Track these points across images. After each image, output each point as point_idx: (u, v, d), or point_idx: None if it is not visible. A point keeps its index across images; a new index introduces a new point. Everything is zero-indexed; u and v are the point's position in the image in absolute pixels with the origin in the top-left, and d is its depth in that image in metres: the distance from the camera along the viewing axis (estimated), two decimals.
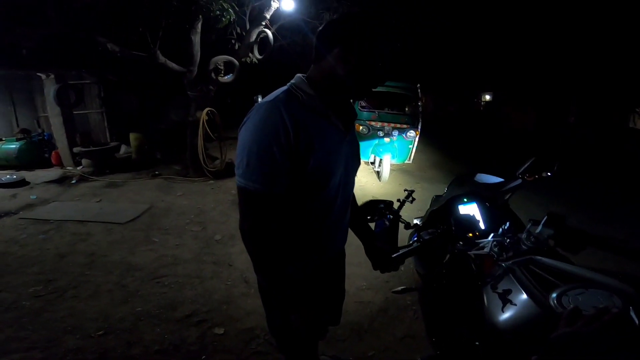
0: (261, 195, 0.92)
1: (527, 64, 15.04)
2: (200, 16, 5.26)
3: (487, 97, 23.28)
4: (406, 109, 6.87)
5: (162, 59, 5.43)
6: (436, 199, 2.15)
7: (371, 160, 6.64)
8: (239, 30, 6.05)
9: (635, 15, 10.44)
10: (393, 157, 6.23)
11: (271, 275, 1.02)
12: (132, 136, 6.97)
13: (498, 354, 1.05)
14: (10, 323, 2.34)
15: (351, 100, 1.26)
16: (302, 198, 1.01)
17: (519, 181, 1.75)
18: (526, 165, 1.74)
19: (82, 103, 7.07)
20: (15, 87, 7.48)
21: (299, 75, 1.02)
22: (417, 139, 6.31)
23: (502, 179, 1.92)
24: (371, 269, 1.34)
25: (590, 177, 7.04)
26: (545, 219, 1.32)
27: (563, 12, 12.26)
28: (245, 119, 0.96)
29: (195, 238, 3.73)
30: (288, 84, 1.01)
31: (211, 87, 6.03)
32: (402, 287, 1.64)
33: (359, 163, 1.21)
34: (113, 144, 7.05)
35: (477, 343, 1.12)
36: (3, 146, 6.41)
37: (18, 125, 7.40)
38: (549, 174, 1.74)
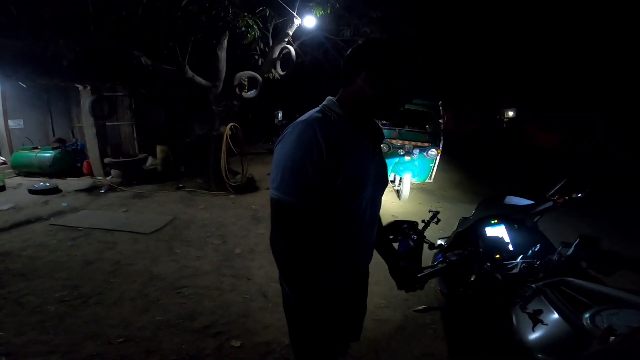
0: (293, 208, 0.96)
1: (551, 79, 14.77)
2: (227, 32, 5.48)
3: (510, 114, 22.85)
4: (427, 126, 6.82)
5: (190, 73, 5.68)
6: (463, 220, 2.12)
7: (391, 178, 6.58)
8: (262, 46, 6.25)
9: None
10: (414, 176, 6.16)
11: (297, 286, 1.05)
12: (158, 148, 7.23)
13: None
14: (34, 326, 2.41)
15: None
16: (331, 214, 1.04)
17: (550, 203, 1.70)
18: (557, 187, 1.69)
19: (114, 115, 7.41)
20: (53, 98, 7.94)
21: (330, 97, 1.08)
22: (438, 158, 6.21)
23: (532, 202, 1.88)
24: (390, 287, 1.33)
25: (622, 196, 6.73)
26: (577, 241, 1.29)
27: (588, 27, 12.05)
28: (281, 136, 1.02)
29: (216, 251, 3.79)
30: (320, 106, 1.07)
31: (235, 102, 6.21)
32: (424, 306, 1.60)
33: (386, 183, 1.23)
34: (141, 155, 7.33)
35: None
36: (39, 154, 6.77)
37: (54, 135, 7.82)
38: (580, 195, 1.69)
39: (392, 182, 6.71)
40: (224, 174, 6.04)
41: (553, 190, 1.70)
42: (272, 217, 1.01)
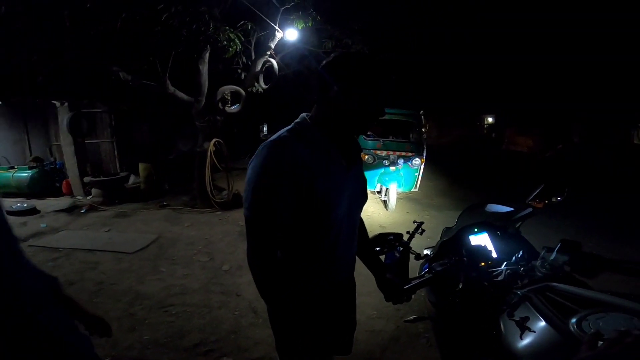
0: (264, 226, 1.00)
1: (528, 84, 15.33)
2: (208, 46, 5.46)
3: (490, 120, 23.53)
4: (410, 136, 6.94)
5: (171, 88, 5.63)
6: (446, 230, 2.15)
7: (377, 189, 6.62)
8: (244, 60, 6.27)
9: (633, 36, 10.72)
10: (399, 186, 6.20)
11: (273, 300, 1.09)
12: (141, 166, 7.09)
13: None
14: None
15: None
16: (305, 230, 1.06)
17: (530, 209, 1.74)
18: (536, 193, 1.73)
19: (93, 132, 7.25)
20: (30, 115, 7.70)
21: (303, 114, 1.09)
22: (422, 166, 6.31)
23: (512, 208, 1.92)
24: (381, 298, 1.33)
25: (601, 197, 6.97)
26: (559, 245, 1.32)
27: (562, 34, 12.62)
28: (253, 157, 1.03)
29: (203, 268, 3.72)
30: (293, 123, 1.08)
31: (218, 117, 6.18)
32: (415, 316, 1.61)
33: (365, 199, 1.23)
34: (122, 174, 7.17)
35: None
36: (15, 174, 6.54)
37: (31, 153, 7.58)
38: (559, 198, 1.74)
39: (379, 192, 6.76)
40: (209, 191, 5.97)
41: (532, 196, 1.73)
42: (247, 234, 1.03)
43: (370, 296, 2.98)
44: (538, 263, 1.32)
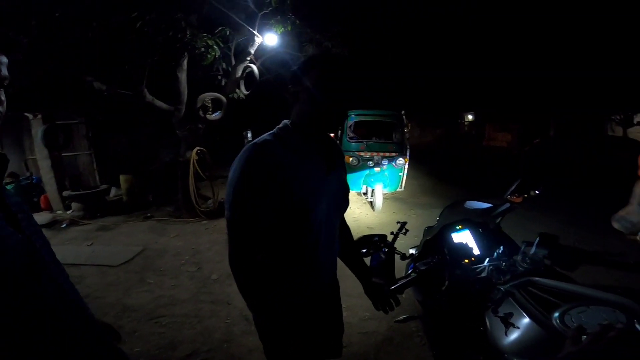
0: (243, 226, 1.04)
1: (504, 81, 15.76)
2: (186, 53, 5.37)
3: (470, 117, 24.07)
4: (393, 136, 7.03)
5: (149, 97, 5.50)
6: (428, 229, 2.16)
7: (363, 190, 6.65)
8: (224, 66, 6.22)
9: (604, 32, 11.18)
10: (385, 186, 6.24)
11: (256, 303, 1.12)
12: (122, 178, 6.92)
13: None
14: None
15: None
16: (286, 232, 1.09)
17: (508, 205, 1.77)
18: (513, 188, 1.77)
19: (70, 145, 7.03)
20: (2, 129, 7.40)
21: (285, 120, 1.13)
22: (406, 166, 6.38)
23: (491, 204, 1.95)
24: None
25: (580, 190, 7.22)
26: (537, 239, 1.34)
27: (537, 31, 13.03)
28: (235, 159, 1.07)
29: (192, 278, 3.67)
30: (275, 128, 1.12)
31: (200, 125, 6.08)
32: (405, 316, 1.63)
33: (345, 203, 1.25)
34: (103, 186, 6.97)
35: None
36: None
37: None
38: (536, 192, 1.78)
39: (365, 194, 6.81)
40: (193, 200, 5.88)
41: (509, 191, 1.76)
42: (228, 235, 1.07)
43: (362, 298, 2.99)
44: (519, 258, 1.34)
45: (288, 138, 1.07)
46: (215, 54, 5.38)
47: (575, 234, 4.72)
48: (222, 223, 5.60)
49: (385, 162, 6.22)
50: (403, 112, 6.87)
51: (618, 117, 16.84)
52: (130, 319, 2.91)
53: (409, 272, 1.38)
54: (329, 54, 1.05)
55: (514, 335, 1.04)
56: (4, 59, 0.72)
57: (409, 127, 6.74)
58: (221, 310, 3.02)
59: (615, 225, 4.67)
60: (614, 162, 10.12)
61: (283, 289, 1.15)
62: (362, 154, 6.28)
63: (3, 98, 0.73)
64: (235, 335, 2.66)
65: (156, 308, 3.08)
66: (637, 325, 0.89)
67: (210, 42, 5.19)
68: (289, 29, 6.02)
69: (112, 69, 5.37)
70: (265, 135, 1.08)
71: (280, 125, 1.11)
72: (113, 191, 7.33)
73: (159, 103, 5.70)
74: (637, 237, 4.62)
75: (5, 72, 0.72)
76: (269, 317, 1.13)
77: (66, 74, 5.13)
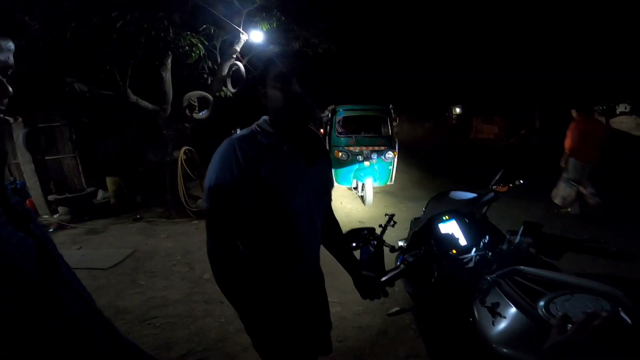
0: (219, 218, 1.07)
1: (491, 74, 15.96)
2: (169, 52, 5.28)
3: (458, 110, 24.31)
4: (382, 130, 7.06)
5: (133, 97, 5.40)
6: (415, 221, 2.17)
7: (354, 185, 6.67)
8: (210, 64, 6.14)
9: (587, 25, 11.39)
10: (375, 180, 6.26)
11: (234, 296, 1.13)
12: (109, 180, 6.80)
13: None
14: None
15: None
16: (262, 224, 1.11)
17: (492, 194, 1.79)
18: (497, 178, 1.78)
19: (53, 148, 6.87)
20: None
21: (264, 117, 1.16)
22: (396, 159, 6.42)
23: (475, 194, 1.96)
24: None
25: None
26: (522, 228, 1.36)
27: (522, 25, 13.21)
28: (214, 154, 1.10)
29: (184, 279, 3.64)
30: (254, 123, 1.16)
31: (187, 124, 6.00)
32: (397, 309, 1.65)
33: (327, 195, 1.27)
34: (89, 189, 6.85)
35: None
36: None
37: None
38: (521, 182, 1.80)
39: (355, 188, 6.83)
40: (183, 200, 5.82)
41: (494, 181, 1.78)
42: (206, 226, 1.10)
43: (355, 293, 2.99)
44: (505, 247, 1.35)
45: (265, 133, 1.10)
46: (200, 52, 5.31)
47: (560, 223, 4.83)
48: None
49: (374, 156, 6.24)
50: (391, 106, 6.90)
51: (601, 108, 17.22)
52: (124, 321, 2.88)
53: (398, 264, 1.39)
54: (283, 52, 1.06)
55: (501, 325, 1.04)
56: (11, 45, 0.68)
57: (397, 121, 6.75)
58: (215, 309, 3.01)
59: (555, 200, 5.27)
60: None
61: (264, 281, 1.16)
62: (351, 148, 6.30)
63: (9, 88, 0.70)
64: (230, 333, 2.65)
65: (149, 309, 3.05)
66: (621, 313, 0.90)
67: (194, 41, 5.11)
68: (275, 25, 5.98)
69: (94, 70, 5.25)
70: (243, 131, 1.13)
71: (259, 121, 1.15)
72: (100, 194, 7.20)
73: (143, 103, 5.60)
74: (569, 210, 5.29)
75: (11, 59, 0.69)
76: (251, 312, 1.14)
77: (46, 75, 5.01)
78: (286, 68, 1.04)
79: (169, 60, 5.57)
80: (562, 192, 5.27)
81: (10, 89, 0.70)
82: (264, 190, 1.06)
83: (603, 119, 4.95)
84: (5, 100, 0.70)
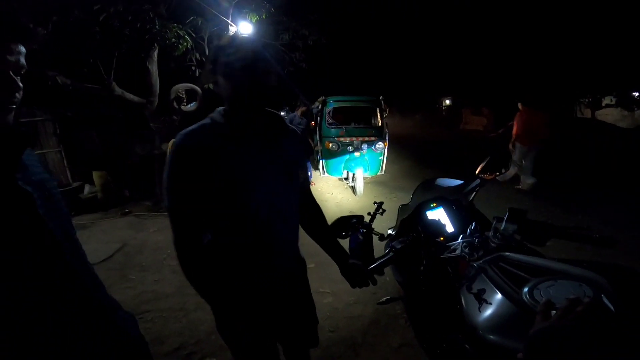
0: (180, 212, 1.06)
1: (478, 66, 16.07)
2: (155, 44, 5.18)
3: (447, 102, 24.45)
4: (372, 121, 7.05)
5: (118, 90, 5.29)
6: (403, 208, 2.17)
7: (344, 176, 6.68)
8: (198, 56, 6.04)
9: (571, 17, 11.51)
10: (365, 171, 6.29)
11: (204, 288, 1.14)
12: (95, 174, 6.68)
13: (487, 355, 1.02)
14: None
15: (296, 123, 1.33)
16: (227, 212, 1.09)
17: (478, 181, 1.80)
18: (483, 165, 1.79)
19: (37, 143, 6.72)
20: None
21: (219, 108, 1.14)
22: (386, 150, 6.44)
23: (462, 181, 1.97)
24: None
25: (553, 169, 7.52)
26: (507, 215, 1.37)
27: (507, 20, 13.30)
28: None
29: (175, 272, 3.61)
30: (208, 116, 1.13)
31: (174, 117, 5.92)
32: (386, 298, 1.65)
33: (297, 181, 1.22)
34: (75, 184, 6.73)
35: (467, 346, 1.12)
36: None
37: None
38: (504, 170, 1.82)
39: (346, 179, 6.85)
40: None
41: (480, 168, 1.79)
42: (170, 222, 1.08)
43: (345, 283, 3.03)
44: (491, 234, 1.36)
45: (220, 123, 1.08)
46: (187, 45, 5.22)
47: (546, 209, 4.94)
48: None
49: (365, 146, 6.24)
50: (381, 97, 6.90)
51: (587, 100, 17.50)
52: None
53: (387, 251, 1.39)
54: (226, 38, 1.03)
55: (487, 311, 1.05)
56: (22, 49, 0.80)
57: (388, 112, 6.76)
58: (206, 302, 3.00)
59: (498, 178, 5.77)
60: (582, 143, 10.59)
61: (233, 270, 1.16)
62: (341, 139, 6.29)
63: (20, 85, 0.81)
64: None
65: (140, 304, 3.04)
66: (603, 299, 0.91)
67: (181, 33, 5.02)
68: (264, 17, 5.90)
69: (77, 63, 5.12)
70: (197, 124, 1.10)
71: (212, 113, 1.13)
72: (87, 188, 7.07)
73: (129, 96, 5.49)
74: (521, 186, 5.95)
75: (23, 61, 0.80)
76: (219, 303, 1.16)
77: (26, 69, 4.85)
78: (234, 55, 1.01)
79: (155, 53, 5.46)
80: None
81: (21, 85, 0.81)
82: (222, 179, 1.04)
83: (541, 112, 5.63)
84: (18, 95, 0.81)
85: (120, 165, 7.56)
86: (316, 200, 1.40)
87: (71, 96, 5.90)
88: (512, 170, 6.00)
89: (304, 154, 1.37)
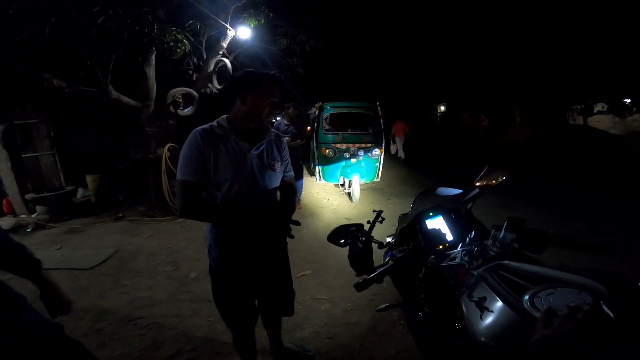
0: (187, 184, 1.46)
1: (473, 73, 16.26)
2: (153, 48, 5.14)
3: (442, 108, 24.67)
4: (368, 127, 7.09)
5: (114, 94, 5.23)
6: (403, 217, 2.18)
7: (341, 182, 6.67)
8: (195, 60, 6.02)
9: (562, 24, 11.71)
10: (362, 177, 6.28)
11: (207, 218, 1.60)
12: (89, 178, 6.61)
13: None
14: None
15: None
16: (216, 189, 1.53)
17: (477, 190, 1.82)
18: (481, 174, 1.81)
19: (30, 145, 6.64)
20: None
21: (223, 115, 1.58)
22: (382, 156, 6.45)
23: (461, 190, 1.98)
24: (354, 290, 1.35)
25: (546, 175, 7.60)
26: (505, 223, 1.38)
27: (501, 27, 13.49)
28: None
29: (169, 278, 3.58)
30: (215, 120, 1.57)
31: (171, 121, 5.87)
32: (385, 305, 1.65)
33: (272, 167, 1.62)
34: (69, 188, 6.64)
35: (467, 353, 1.12)
36: None
37: None
38: (503, 178, 1.84)
39: (342, 185, 6.84)
40: (167, 198, 5.71)
41: (478, 178, 1.80)
42: (177, 192, 1.50)
43: (343, 289, 3.06)
44: (490, 242, 1.37)
45: (219, 127, 1.53)
46: (186, 49, 5.20)
47: (542, 218, 4.98)
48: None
49: (361, 153, 6.25)
50: (378, 103, 6.94)
51: (579, 107, 17.77)
52: (108, 322, 2.81)
53: (387, 260, 1.39)
54: (274, 77, 1.55)
55: (488, 319, 1.06)
56: None
57: (384, 119, 6.78)
58: (202, 308, 2.96)
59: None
60: (574, 149, 10.73)
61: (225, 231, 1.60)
62: (338, 145, 6.28)
63: None
64: (218, 332, 2.61)
65: (134, 310, 2.99)
66: (603, 307, 0.92)
67: (179, 36, 5.01)
68: (263, 22, 5.92)
69: (73, 65, 5.08)
70: (206, 125, 1.55)
71: (218, 119, 1.57)
72: (80, 192, 7.00)
73: (126, 100, 5.45)
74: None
75: None
76: (222, 220, 1.57)
77: (21, 71, 4.81)
78: (277, 90, 1.52)
79: (153, 56, 5.43)
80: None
81: None
82: (215, 167, 1.47)
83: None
84: None
85: (113, 170, 7.49)
86: (294, 189, 1.80)
87: (64, 99, 5.84)
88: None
89: (287, 156, 1.76)
